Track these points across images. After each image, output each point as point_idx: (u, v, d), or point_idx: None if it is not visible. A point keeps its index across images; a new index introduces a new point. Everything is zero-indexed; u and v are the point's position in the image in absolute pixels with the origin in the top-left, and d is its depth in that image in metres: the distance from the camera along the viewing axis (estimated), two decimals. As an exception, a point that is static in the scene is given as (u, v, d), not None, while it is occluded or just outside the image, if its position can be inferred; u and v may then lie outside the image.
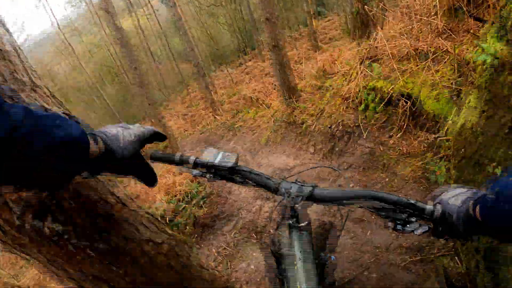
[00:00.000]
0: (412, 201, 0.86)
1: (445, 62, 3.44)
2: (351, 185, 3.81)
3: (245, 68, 20.47)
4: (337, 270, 2.87)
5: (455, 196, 0.78)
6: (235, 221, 4.57)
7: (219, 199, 5.49)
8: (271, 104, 9.66)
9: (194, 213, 4.93)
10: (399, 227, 0.88)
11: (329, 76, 7.53)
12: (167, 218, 4.77)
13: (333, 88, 5.96)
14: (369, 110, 4.31)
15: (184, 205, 5.12)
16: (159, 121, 9.85)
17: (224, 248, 3.94)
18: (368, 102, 4.34)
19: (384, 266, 2.52)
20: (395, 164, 3.67)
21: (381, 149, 3.97)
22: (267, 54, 19.68)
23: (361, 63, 4.84)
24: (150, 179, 1.02)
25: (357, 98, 4.63)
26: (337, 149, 4.66)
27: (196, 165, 1.13)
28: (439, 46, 3.59)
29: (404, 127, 3.79)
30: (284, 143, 6.51)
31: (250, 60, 23.80)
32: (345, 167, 4.24)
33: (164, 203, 5.14)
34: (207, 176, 1.11)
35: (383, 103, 4.07)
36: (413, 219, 0.87)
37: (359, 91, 4.56)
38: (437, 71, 3.44)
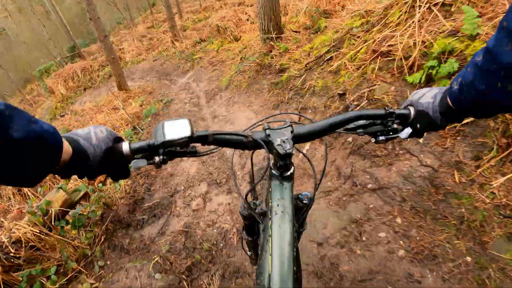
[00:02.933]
0: (392, 110, 0.82)
1: None
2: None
3: (218, -7, 17.21)
4: None
5: (424, 95, 0.79)
6: (164, 221, 2.53)
7: (150, 168, 3.38)
8: (240, 37, 7.25)
9: (106, 198, 2.78)
10: (381, 138, 0.84)
11: (325, 15, 5.22)
12: (53, 214, 2.53)
13: (338, 31, 3.76)
14: (433, 88, 2.12)
15: (82, 192, 2.88)
16: (101, 41, 7.10)
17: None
18: (436, 74, 2.19)
19: None
20: (485, 224, 1.66)
21: (455, 180, 1.89)
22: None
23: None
24: (121, 175, 0.76)
25: (405, 59, 2.45)
26: (350, 139, 2.51)
27: (135, 151, 0.72)
28: None
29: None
30: (252, 92, 4.34)
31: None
32: (364, 189, 2.14)
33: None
34: (156, 160, 0.71)
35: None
36: (395, 126, 0.83)
37: (413, 46, 2.39)
38: None
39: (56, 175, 0.65)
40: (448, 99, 0.71)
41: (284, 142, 0.77)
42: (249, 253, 1.33)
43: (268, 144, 0.80)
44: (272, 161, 0.84)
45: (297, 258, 0.72)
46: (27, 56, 21.26)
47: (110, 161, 0.71)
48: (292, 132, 0.81)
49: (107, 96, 7.94)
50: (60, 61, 16.06)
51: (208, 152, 0.84)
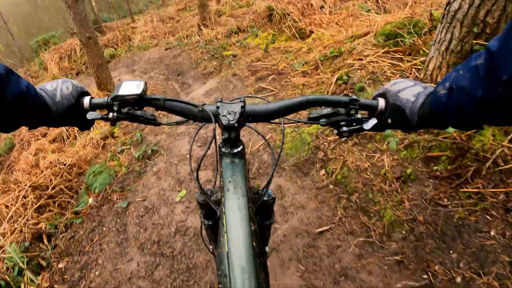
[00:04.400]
0: (355, 97, 0.71)
1: None
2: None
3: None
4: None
5: (405, 90, 0.66)
6: None
7: None
8: (311, 33, 3.94)
9: None
10: (344, 129, 0.72)
11: None
12: None
13: None
14: None
15: None
16: (69, 6, 3.82)
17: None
18: None
19: None
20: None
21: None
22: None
23: None
24: (83, 126, 0.79)
25: None
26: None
27: (94, 106, 0.75)
28: None
29: None
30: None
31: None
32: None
33: None
34: (110, 116, 0.72)
35: None
36: (359, 116, 0.72)
37: None
38: None
39: (24, 126, 0.66)
40: (431, 104, 0.60)
41: (229, 113, 0.72)
42: (211, 247, 1.12)
43: (217, 117, 0.73)
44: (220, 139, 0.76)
45: (258, 238, 0.65)
46: (47, 22, 18.44)
47: (71, 116, 0.72)
48: (243, 108, 0.73)
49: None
50: (75, 33, 13.06)
51: (167, 123, 0.80)
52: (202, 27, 6.58)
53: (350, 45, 2.69)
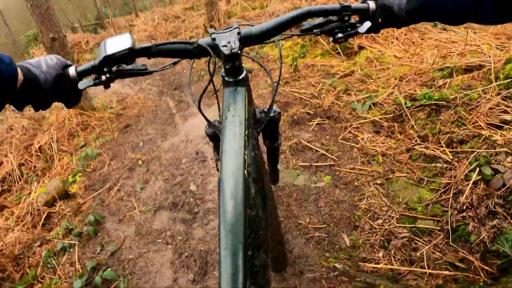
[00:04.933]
0: (346, 4, 0.68)
1: None
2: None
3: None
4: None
5: None
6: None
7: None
8: (357, 49, 2.83)
9: None
10: (339, 35, 0.70)
11: None
12: None
13: None
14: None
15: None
16: None
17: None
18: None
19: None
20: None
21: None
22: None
23: None
24: (73, 101, 0.71)
25: None
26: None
27: (81, 74, 0.67)
28: None
29: None
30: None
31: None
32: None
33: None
34: (103, 78, 0.65)
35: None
36: (352, 21, 0.69)
37: None
38: None
39: (11, 106, 0.60)
40: (418, 1, 0.60)
41: (229, 42, 0.66)
42: None
43: (214, 48, 0.68)
44: (223, 69, 0.72)
45: (257, 165, 0.68)
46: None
47: (61, 88, 0.67)
48: (239, 33, 0.68)
49: (62, 112, 3.61)
50: (75, 28, 11.91)
51: (160, 68, 0.74)
52: (208, 28, 5.46)
53: (447, 84, 1.57)
